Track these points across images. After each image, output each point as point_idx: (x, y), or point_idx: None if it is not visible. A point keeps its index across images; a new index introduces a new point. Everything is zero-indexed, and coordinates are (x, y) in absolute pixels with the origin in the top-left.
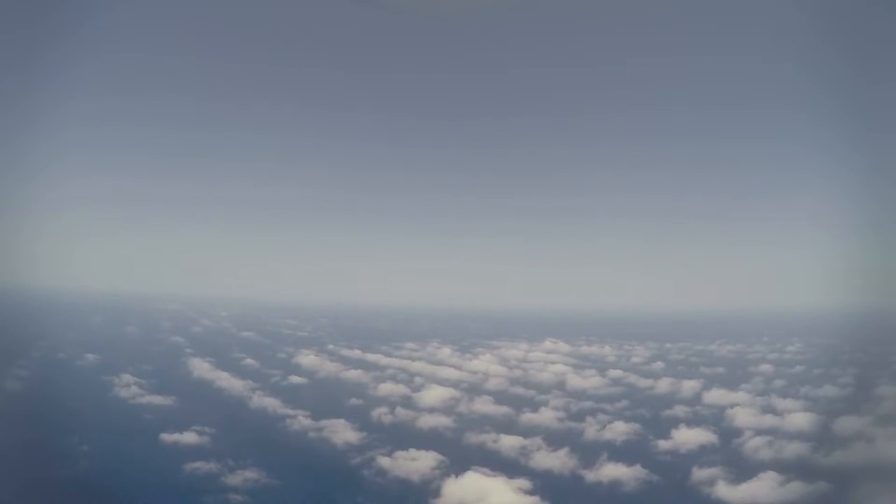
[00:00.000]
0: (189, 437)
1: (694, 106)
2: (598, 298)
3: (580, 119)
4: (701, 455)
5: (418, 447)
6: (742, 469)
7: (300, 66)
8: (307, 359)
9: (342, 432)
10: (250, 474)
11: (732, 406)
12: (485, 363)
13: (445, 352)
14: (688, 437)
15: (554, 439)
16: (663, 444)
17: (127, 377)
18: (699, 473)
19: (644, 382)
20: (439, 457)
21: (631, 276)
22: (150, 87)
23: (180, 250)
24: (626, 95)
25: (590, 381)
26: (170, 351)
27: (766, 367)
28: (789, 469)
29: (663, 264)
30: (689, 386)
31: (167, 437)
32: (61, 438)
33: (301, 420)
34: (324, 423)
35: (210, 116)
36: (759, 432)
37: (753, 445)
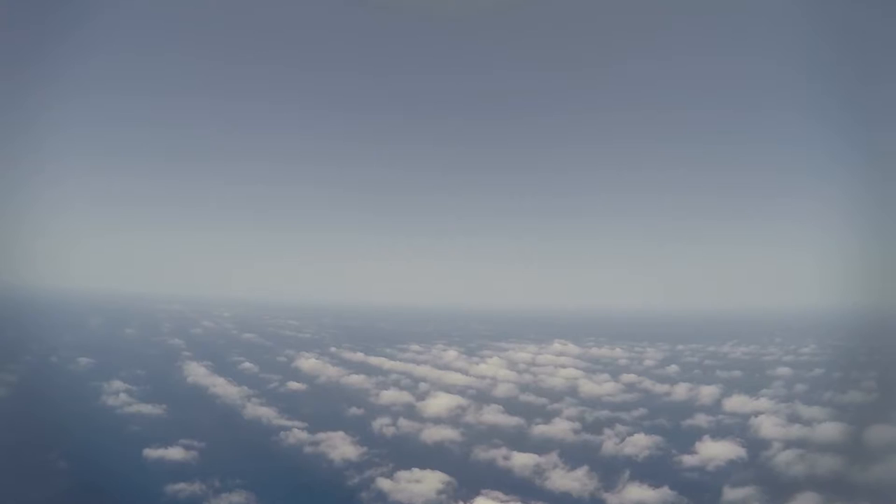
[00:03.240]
0: (175, 453)
1: (705, 106)
2: (601, 299)
3: (586, 119)
4: (730, 472)
5: (422, 465)
6: (777, 488)
7: (300, 66)
8: (307, 362)
9: (341, 447)
10: (237, 498)
11: (756, 414)
12: (492, 367)
13: (451, 354)
14: (714, 451)
15: (570, 455)
16: (688, 460)
17: (118, 384)
18: (731, 494)
19: (660, 388)
20: (445, 477)
21: (632, 276)
22: (150, 87)
23: (184, 250)
24: (631, 95)
25: (603, 386)
26: (167, 354)
27: (784, 371)
28: (826, 487)
29: (664, 264)
30: (708, 392)
31: (151, 453)
32: (38, 453)
33: (296, 433)
34: (321, 435)
35: (210, 116)
36: (789, 444)
37: (784, 460)
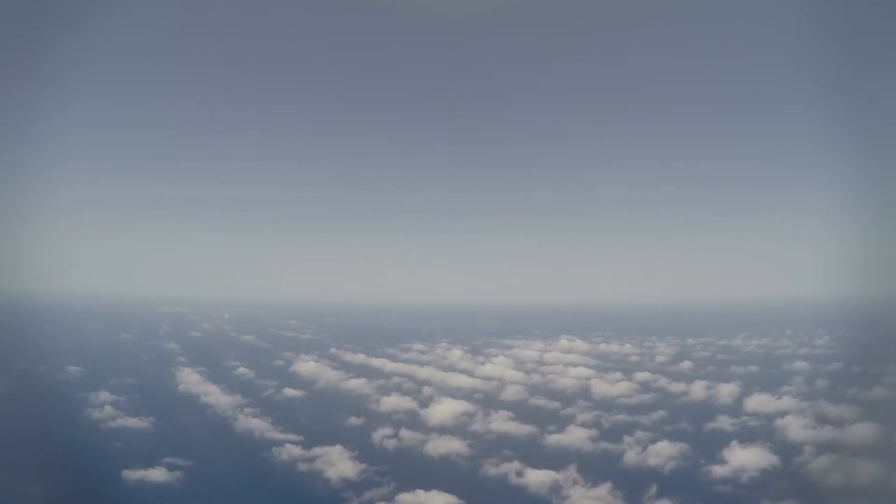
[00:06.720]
0: (157, 474)
1: (710, 100)
2: (603, 292)
3: (588, 114)
4: (765, 483)
5: (427, 485)
6: (817, 501)
7: (300, 66)
8: (306, 366)
9: (338, 463)
10: None
11: (782, 415)
12: (499, 367)
13: (456, 354)
14: (744, 459)
15: (590, 468)
16: (718, 471)
17: (104, 394)
18: None
19: (676, 387)
20: (452, 499)
21: (633, 269)
22: (149, 89)
23: (186, 252)
24: (637, 90)
25: (617, 386)
26: (161, 360)
27: (801, 365)
28: (870, 497)
29: (664, 257)
30: (727, 390)
31: (131, 475)
32: (10, 475)
33: (290, 448)
34: (317, 450)
35: (210, 117)
36: (821, 448)
37: (820, 467)
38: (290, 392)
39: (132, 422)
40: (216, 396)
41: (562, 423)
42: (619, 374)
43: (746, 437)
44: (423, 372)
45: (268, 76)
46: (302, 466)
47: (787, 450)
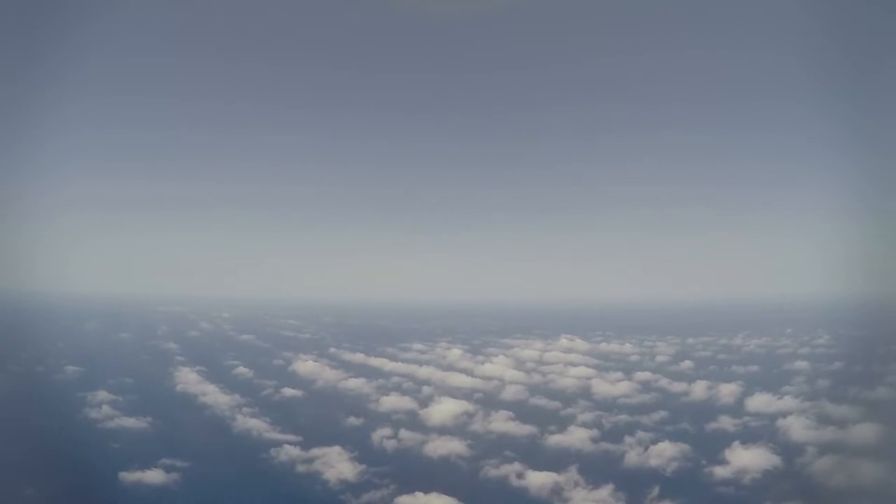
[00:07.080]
0: (154, 476)
1: (709, 99)
2: (602, 291)
3: (587, 113)
4: (768, 485)
5: (427, 487)
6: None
7: (300, 66)
8: (305, 366)
9: (337, 464)
10: None
11: (784, 415)
12: (499, 367)
13: (456, 353)
14: (747, 461)
15: (591, 469)
16: (720, 472)
17: (102, 394)
18: None
19: (677, 387)
20: (452, 502)
21: (632, 268)
22: (149, 89)
23: (185, 251)
24: (632, 92)
25: (618, 386)
26: (159, 360)
27: (802, 365)
28: (875, 500)
29: (662, 256)
30: (728, 390)
31: (128, 477)
32: (7, 475)
33: (289, 449)
34: (316, 451)
35: (210, 117)
36: (823, 449)
37: (823, 468)
38: (288, 392)
39: (130, 422)
40: (214, 396)
41: (562, 424)
42: (619, 374)
43: (748, 437)
44: (423, 371)
45: (268, 76)
46: (300, 468)
47: (789, 450)
